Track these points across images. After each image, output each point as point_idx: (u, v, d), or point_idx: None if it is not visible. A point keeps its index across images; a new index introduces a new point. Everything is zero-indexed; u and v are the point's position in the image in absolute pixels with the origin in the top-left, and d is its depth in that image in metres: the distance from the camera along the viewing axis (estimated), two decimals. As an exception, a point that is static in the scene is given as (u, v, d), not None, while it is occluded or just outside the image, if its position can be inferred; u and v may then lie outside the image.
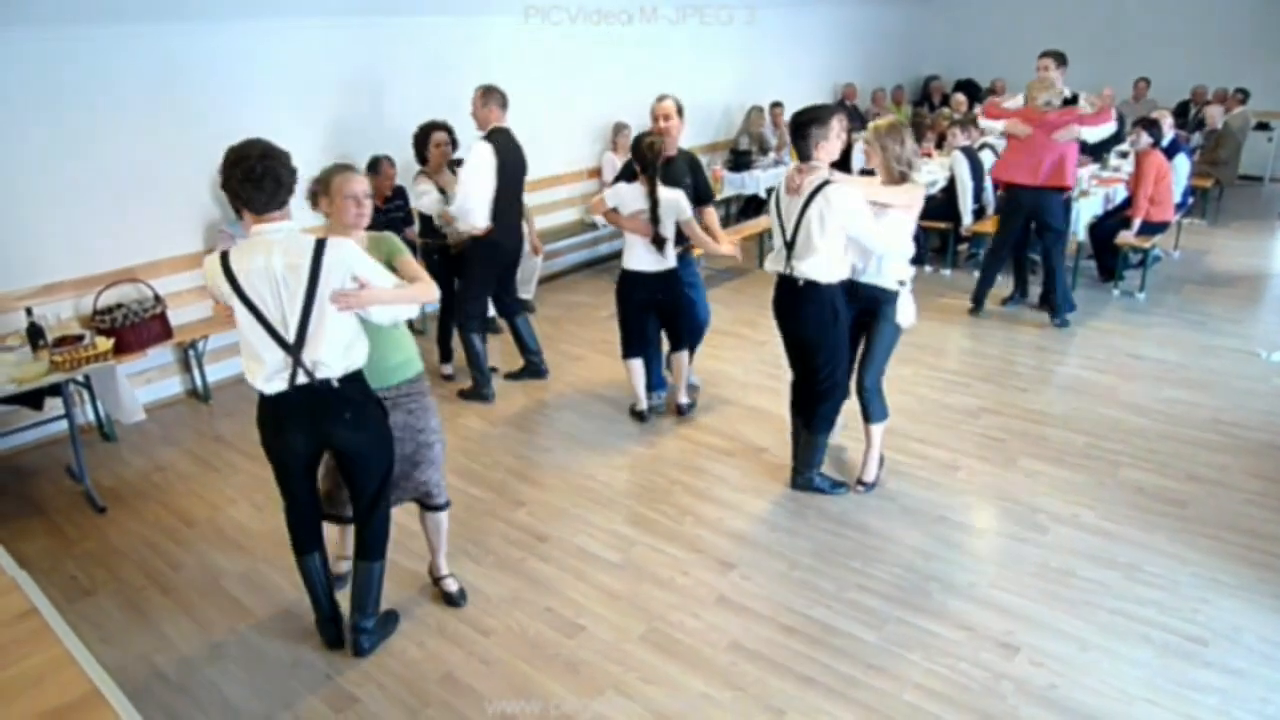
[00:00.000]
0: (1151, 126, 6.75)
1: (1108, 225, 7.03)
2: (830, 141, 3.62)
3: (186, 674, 3.16)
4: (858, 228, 3.64)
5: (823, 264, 3.70)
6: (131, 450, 4.92)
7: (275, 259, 2.66)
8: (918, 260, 7.83)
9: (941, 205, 7.18)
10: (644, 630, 3.29)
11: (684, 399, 5.03)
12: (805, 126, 3.61)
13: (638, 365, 4.86)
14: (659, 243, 4.48)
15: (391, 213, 5.92)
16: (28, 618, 2.14)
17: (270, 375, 2.76)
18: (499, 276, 5.26)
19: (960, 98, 10.28)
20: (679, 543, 3.84)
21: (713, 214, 4.87)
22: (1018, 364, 5.54)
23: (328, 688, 3.06)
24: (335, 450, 2.96)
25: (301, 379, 2.77)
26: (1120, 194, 7.35)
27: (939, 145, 8.82)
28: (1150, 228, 6.77)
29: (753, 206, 9.32)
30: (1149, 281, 6.90)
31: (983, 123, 6.44)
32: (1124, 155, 8.37)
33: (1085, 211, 6.93)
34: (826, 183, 3.60)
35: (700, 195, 4.74)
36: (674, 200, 4.43)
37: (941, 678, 2.99)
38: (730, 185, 8.43)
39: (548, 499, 4.21)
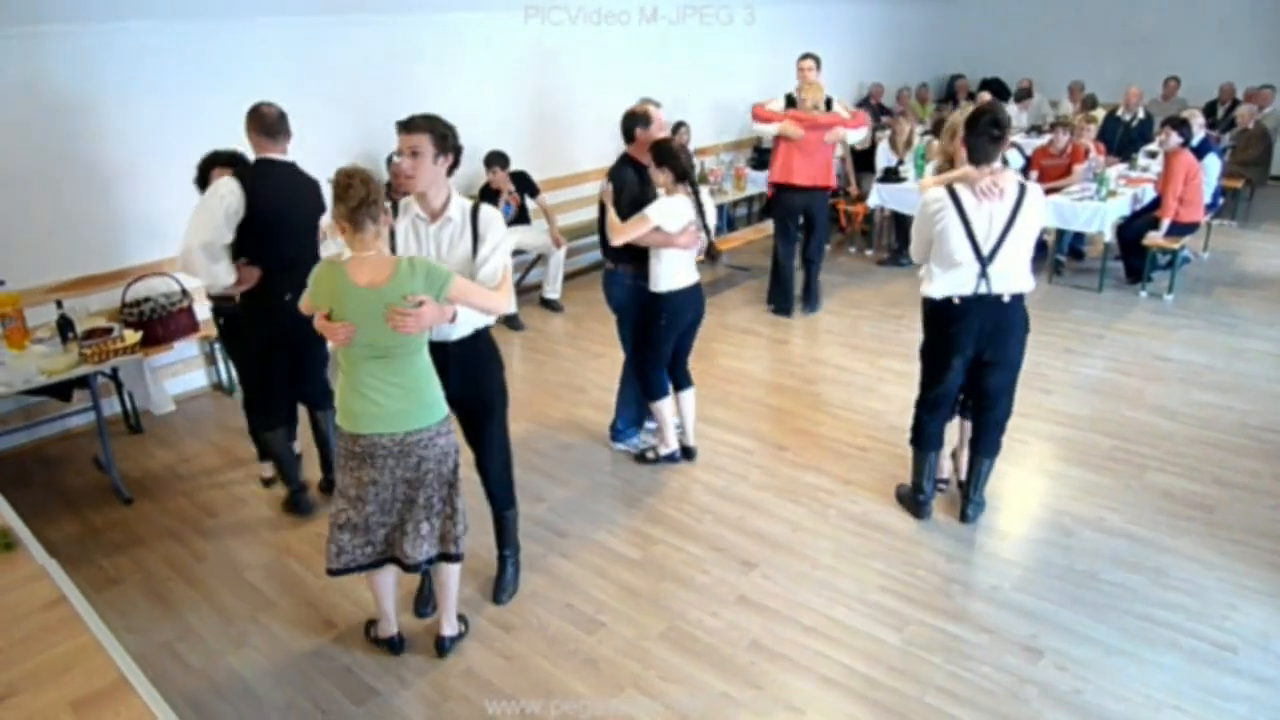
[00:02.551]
0: (1181, 126, 6.65)
1: (1135, 226, 6.94)
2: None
3: (209, 662, 3.19)
4: (1041, 223, 3.61)
5: (1028, 272, 3.50)
6: (157, 442, 4.98)
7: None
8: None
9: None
10: (664, 628, 3.29)
11: (692, 440, 4.59)
12: (1003, 128, 3.31)
13: (670, 404, 4.41)
14: (714, 254, 4.25)
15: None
16: (57, 606, 2.17)
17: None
18: (284, 350, 3.89)
19: (985, 96, 10.16)
20: (699, 541, 3.83)
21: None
22: (1043, 366, 5.48)
23: (348, 679, 3.08)
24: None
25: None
26: (1148, 194, 7.25)
27: (964, 144, 8.73)
28: (1179, 229, 6.68)
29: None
30: (1177, 283, 6.81)
31: (754, 126, 6.56)
32: (1153, 155, 8.26)
33: (1112, 212, 6.84)
34: (1024, 183, 3.44)
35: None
36: (709, 204, 4.17)
37: (964, 681, 2.97)
38: (754, 184, 8.40)
39: (568, 495, 4.22)
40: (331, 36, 5.83)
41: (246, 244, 3.64)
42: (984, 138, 3.32)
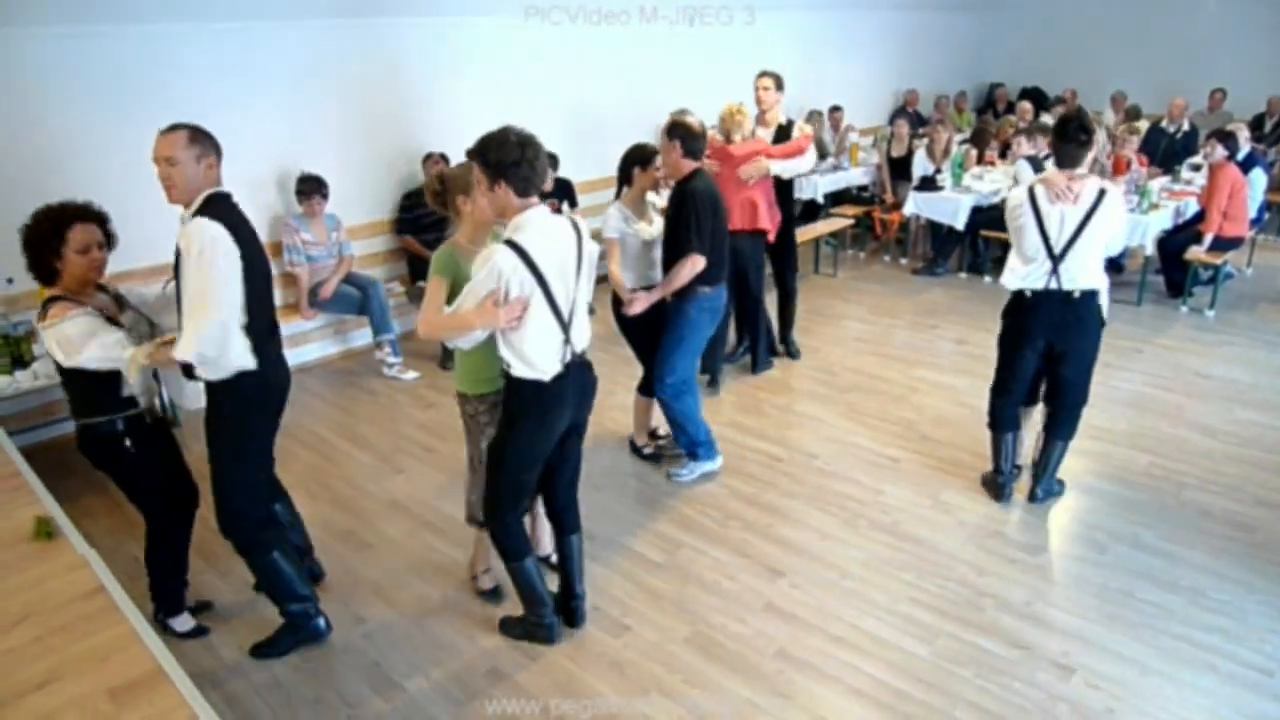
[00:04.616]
0: (1227, 139, 6.53)
1: (1177, 240, 6.82)
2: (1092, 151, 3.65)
3: (242, 656, 3.23)
4: (1120, 227, 3.71)
5: (1100, 270, 3.69)
6: (193, 436, 5.00)
7: (555, 239, 2.76)
8: (978, 270, 7.76)
9: (1004, 215, 7.03)
10: (689, 633, 3.28)
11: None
12: (1090, 134, 3.53)
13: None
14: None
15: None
16: (96, 595, 2.21)
17: (554, 359, 2.85)
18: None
19: (1025, 105, 10.07)
20: (726, 547, 3.81)
21: None
22: (1079, 379, 5.39)
23: (375, 675, 3.10)
24: (571, 426, 3.06)
25: (569, 357, 2.90)
26: (1191, 208, 7.13)
27: (1003, 154, 8.66)
28: (1222, 243, 6.56)
29: (809, 212, 9.24)
30: (1219, 299, 6.68)
31: None
32: (1196, 168, 8.13)
33: (1154, 225, 6.73)
34: (1104, 189, 3.60)
35: None
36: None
37: (994, 696, 2.93)
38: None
39: (595, 498, 4.22)
40: (330, 40, 5.86)
41: (248, 301, 2.82)
42: (1072, 143, 3.54)
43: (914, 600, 3.43)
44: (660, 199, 4.27)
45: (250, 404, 2.95)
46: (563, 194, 6.56)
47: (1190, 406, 5.06)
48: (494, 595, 3.50)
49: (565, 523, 3.24)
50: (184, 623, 3.35)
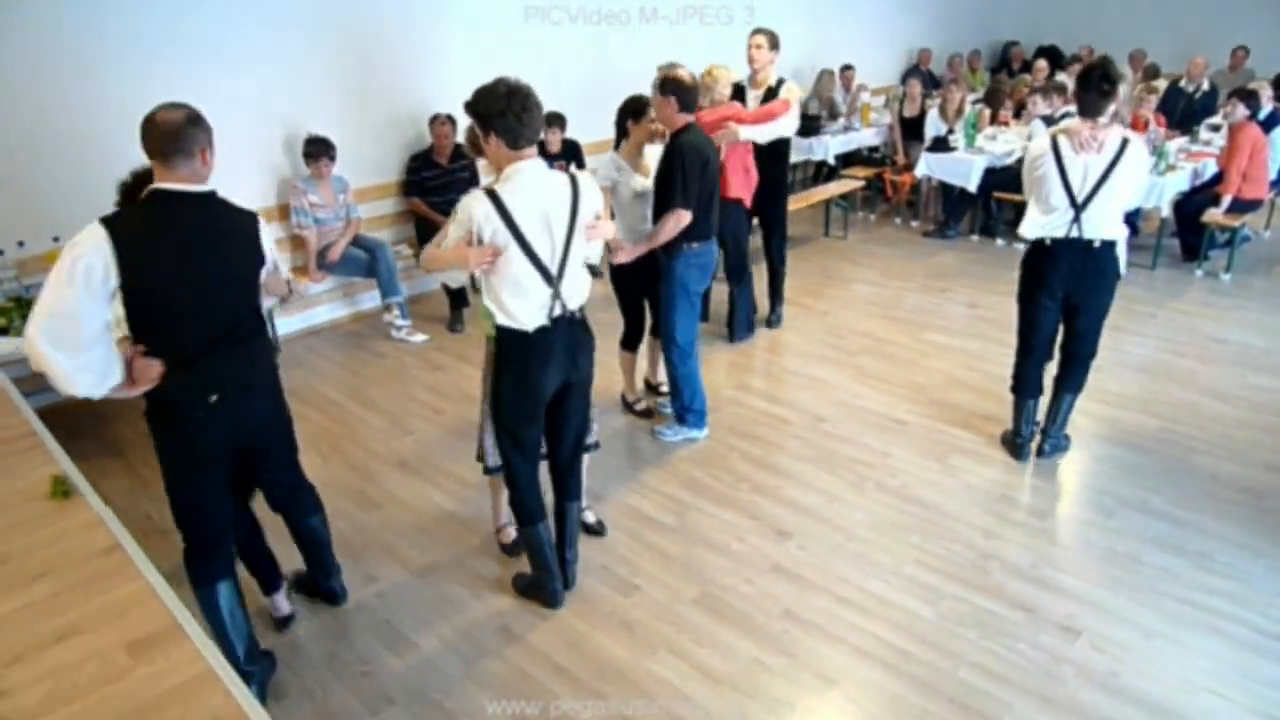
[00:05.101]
0: (1248, 98, 6.42)
1: (1195, 202, 6.74)
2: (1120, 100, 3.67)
3: (255, 613, 3.27)
4: (1142, 178, 3.73)
5: (1120, 221, 3.71)
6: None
7: (543, 193, 2.77)
8: (990, 233, 7.69)
9: (1018, 176, 6.95)
10: (697, 594, 3.31)
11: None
12: (1113, 83, 3.51)
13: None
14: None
15: (458, 172, 5.97)
16: (112, 553, 2.24)
17: (536, 311, 2.86)
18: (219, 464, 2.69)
19: (1041, 64, 9.89)
20: (734, 509, 3.84)
21: None
22: (1091, 343, 5.37)
23: (388, 632, 3.15)
24: (566, 385, 3.04)
25: (558, 312, 2.89)
26: (1210, 169, 7.03)
27: (1017, 114, 8.53)
28: (1241, 205, 6.48)
29: (822, 172, 9.16)
30: (1235, 262, 6.61)
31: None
32: (1215, 128, 8.01)
33: (1171, 187, 6.65)
34: (1127, 138, 3.61)
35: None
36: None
37: (998, 657, 2.96)
38: (798, 151, 8.28)
39: (603, 460, 4.23)
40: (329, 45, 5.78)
41: (136, 325, 2.43)
42: (1094, 92, 3.53)
43: (920, 562, 3.45)
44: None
45: (159, 433, 2.59)
46: (570, 155, 6.51)
47: (1202, 371, 5.03)
48: (515, 549, 3.54)
49: (565, 488, 3.27)
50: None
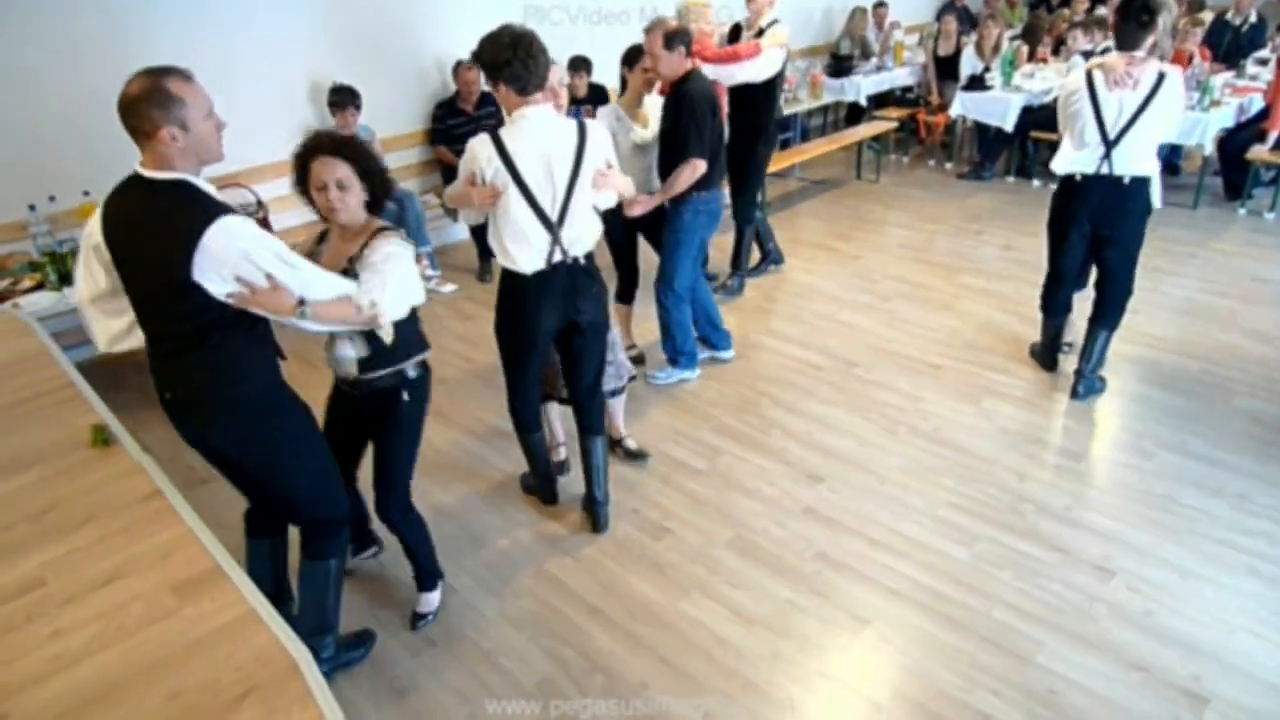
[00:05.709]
0: (1299, 28, 6.16)
1: (1240, 139, 6.52)
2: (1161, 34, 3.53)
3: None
4: (1177, 116, 3.68)
5: (1153, 157, 3.68)
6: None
7: (547, 139, 2.78)
8: (1026, 174, 7.51)
9: (1055, 115, 6.75)
10: (730, 537, 3.33)
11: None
12: (1153, 14, 3.41)
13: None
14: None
15: (483, 119, 5.91)
16: (154, 499, 2.29)
17: (534, 255, 2.89)
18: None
19: (1082, -2, 9.55)
20: (766, 454, 3.84)
21: None
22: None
23: (425, 576, 3.20)
24: (573, 326, 3.09)
25: (558, 257, 2.92)
26: (1256, 104, 6.77)
27: (1056, 50, 8.27)
28: (1288, 141, 6.25)
29: (854, 113, 8.97)
30: (1281, 200, 6.41)
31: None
32: (1263, 62, 7.70)
33: (1214, 123, 6.42)
34: (1163, 73, 3.53)
35: None
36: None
37: (1033, 598, 2.95)
38: (830, 91, 8.11)
39: (634, 406, 4.25)
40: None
41: None
42: (1132, 22, 3.46)
43: (953, 505, 3.43)
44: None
45: None
46: (597, 100, 6.41)
47: (1244, 312, 4.91)
48: (562, 469, 3.75)
49: (585, 422, 3.33)
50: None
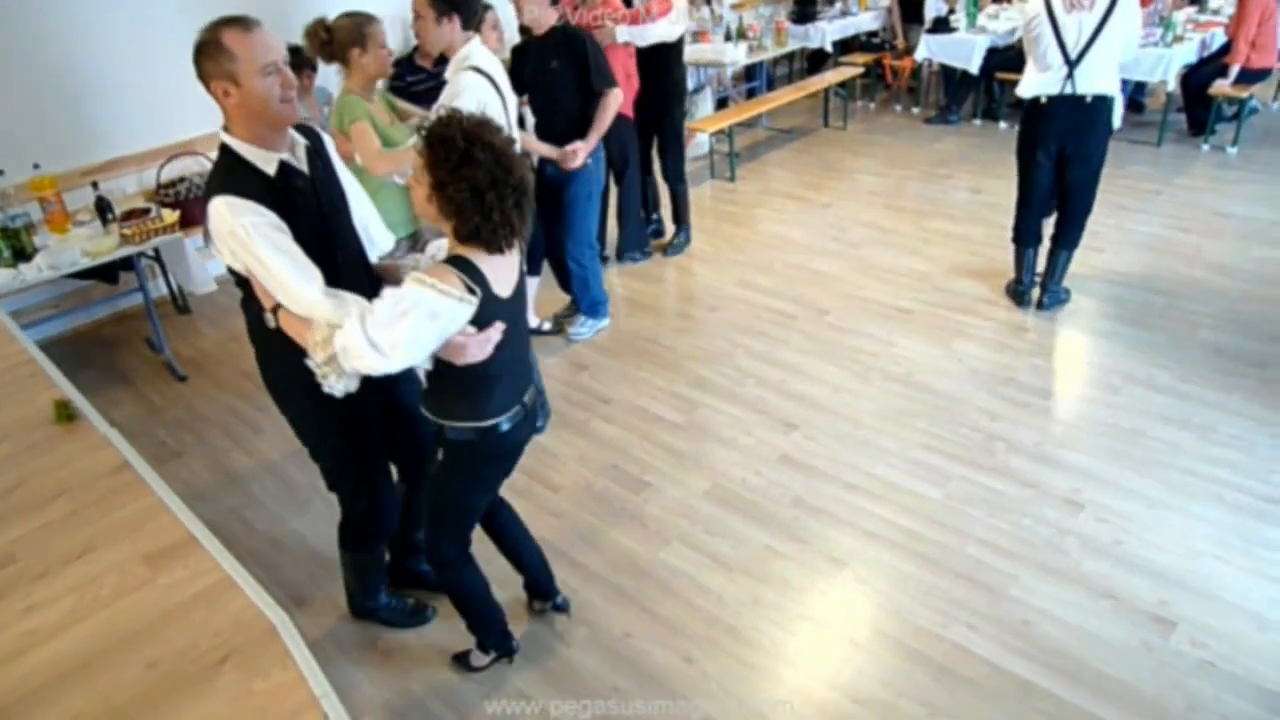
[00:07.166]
0: (1260, -40, 6.15)
1: (1202, 74, 6.54)
2: None
3: (274, 526, 3.34)
4: (1134, 31, 3.82)
5: (1115, 75, 3.87)
6: (206, 321, 5.08)
7: (497, 70, 3.18)
8: (993, 116, 7.51)
9: (1020, 55, 6.73)
10: (708, 487, 3.35)
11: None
12: None
13: None
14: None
15: (443, 75, 5.79)
16: (121, 471, 2.26)
17: None
18: None
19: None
20: (741, 404, 3.86)
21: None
22: (1095, 223, 5.24)
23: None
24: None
25: None
26: (1218, 39, 6.78)
27: (1019, -10, 8.22)
28: (1249, 76, 6.27)
29: (818, 60, 8.90)
30: (1243, 135, 6.45)
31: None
32: (1225, -4, 7.71)
33: (1178, 59, 6.43)
34: None
35: None
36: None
37: (1004, 533, 3.01)
38: (794, 38, 8.01)
39: (609, 363, 4.25)
40: None
41: None
42: None
43: (926, 447, 3.48)
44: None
45: None
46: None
47: (1208, 246, 4.97)
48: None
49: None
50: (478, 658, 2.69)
